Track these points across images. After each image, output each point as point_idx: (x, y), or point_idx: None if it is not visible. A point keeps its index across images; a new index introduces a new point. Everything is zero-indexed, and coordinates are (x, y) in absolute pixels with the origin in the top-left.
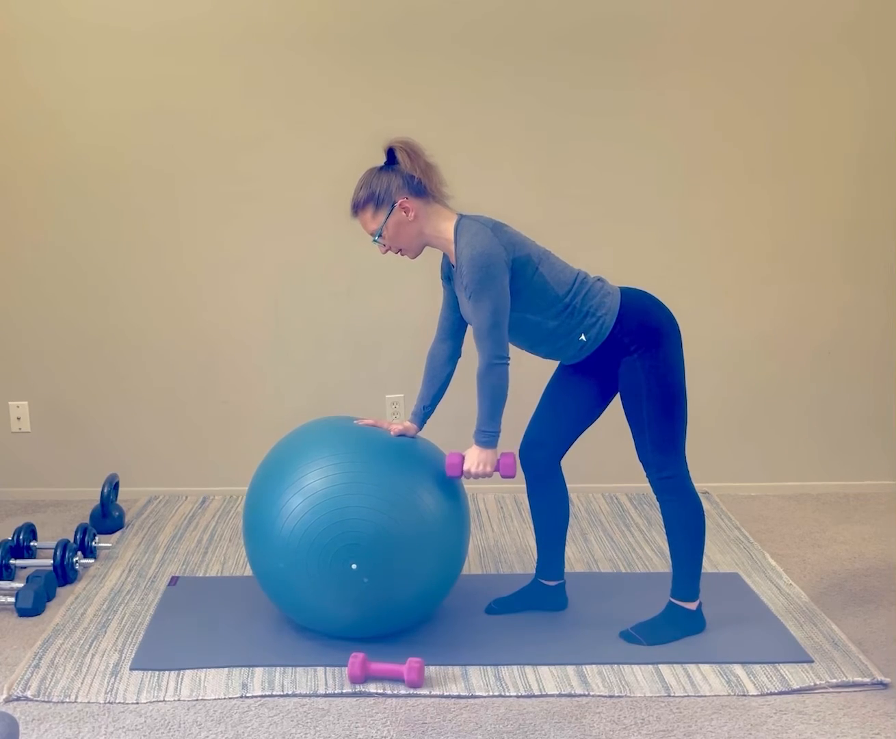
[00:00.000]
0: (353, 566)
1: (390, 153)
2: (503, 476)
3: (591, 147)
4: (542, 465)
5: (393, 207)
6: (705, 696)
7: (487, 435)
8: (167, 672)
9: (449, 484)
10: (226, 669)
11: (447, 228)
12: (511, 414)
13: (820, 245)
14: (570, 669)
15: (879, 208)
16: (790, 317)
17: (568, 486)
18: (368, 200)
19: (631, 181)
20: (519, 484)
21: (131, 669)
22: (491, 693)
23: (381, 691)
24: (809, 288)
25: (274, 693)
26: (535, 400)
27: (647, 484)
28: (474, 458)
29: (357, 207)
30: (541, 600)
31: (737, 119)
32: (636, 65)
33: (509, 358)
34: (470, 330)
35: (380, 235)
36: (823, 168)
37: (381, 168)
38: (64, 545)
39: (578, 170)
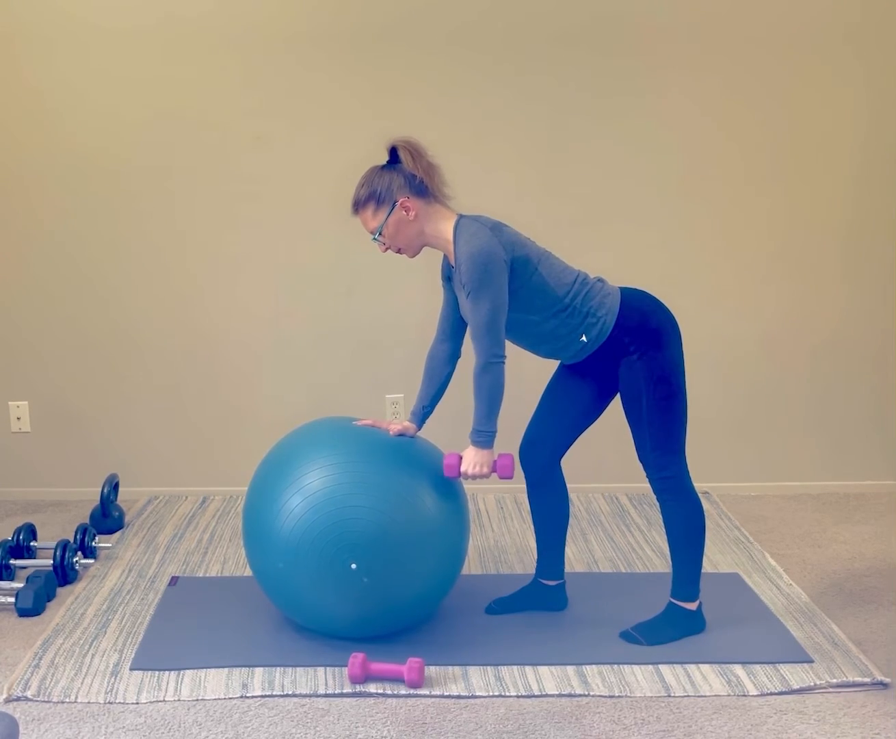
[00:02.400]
0: (353, 566)
1: (393, 152)
2: (500, 477)
3: (591, 148)
4: (541, 465)
5: (394, 205)
6: (705, 696)
7: (483, 435)
8: (167, 672)
9: (448, 484)
10: (226, 669)
11: (447, 228)
12: (511, 414)
13: (819, 246)
14: (570, 669)
15: (879, 210)
16: (790, 317)
17: (568, 486)
18: (369, 198)
19: (631, 182)
20: (519, 484)
21: (131, 669)
22: (491, 693)
23: (381, 691)
24: (809, 289)
25: (274, 693)
26: (535, 400)
27: (647, 484)
28: (471, 459)
29: (358, 205)
30: (541, 600)
31: (737, 120)
32: (637, 66)
33: (505, 357)
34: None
35: (380, 234)
36: (823, 169)
37: (383, 167)
38: (64, 545)
39: (579, 170)
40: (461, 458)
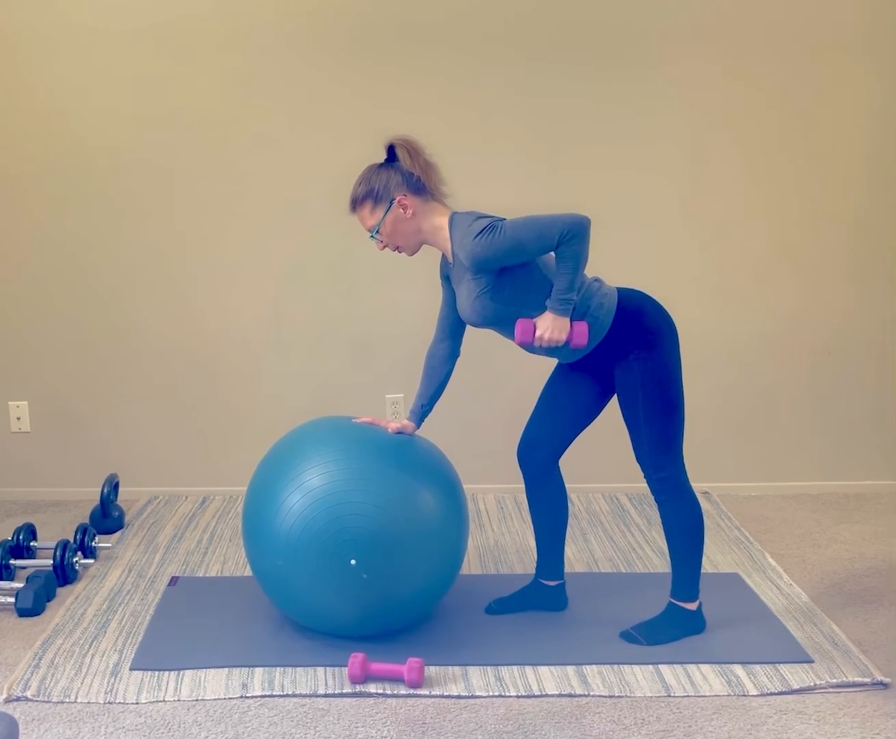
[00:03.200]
0: (353, 562)
1: (390, 150)
2: (573, 345)
3: (591, 147)
4: (540, 465)
5: (391, 203)
6: (705, 696)
7: (565, 304)
8: (167, 672)
9: (447, 482)
10: (226, 669)
11: (443, 223)
12: (510, 413)
13: (821, 246)
14: (570, 669)
15: (882, 209)
16: (791, 317)
17: (568, 486)
18: (367, 195)
19: (632, 181)
20: (519, 484)
21: (131, 669)
22: (491, 693)
23: (381, 691)
24: (810, 288)
25: (274, 693)
26: (533, 399)
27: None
28: (549, 323)
29: (355, 203)
30: (541, 600)
31: (739, 119)
32: (639, 65)
33: (585, 217)
34: (471, 330)
35: (377, 232)
36: (827, 169)
37: (381, 165)
38: (64, 545)
39: (579, 170)
40: (536, 323)
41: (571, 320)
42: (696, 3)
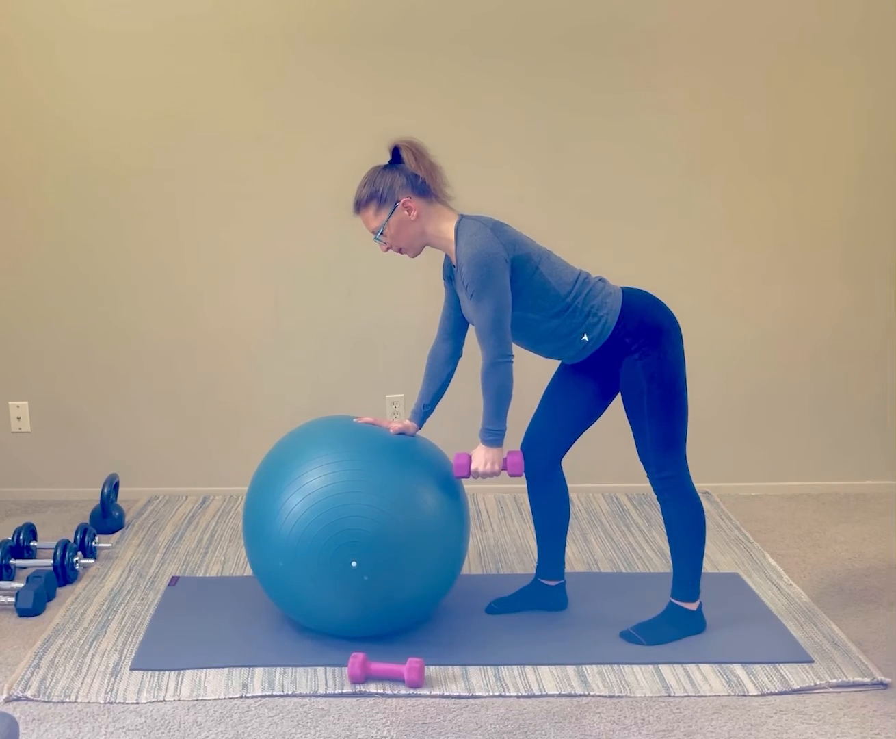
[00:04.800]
0: (354, 564)
1: (395, 152)
2: (511, 475)
3: (592, 147)
4: (542, 465)
5: (395, 205)
6: (705, 696)
7: (493, 434)
8: (167, 672)
9: (448, 482)
10: (226, 669)
11: (448, 228)
12: (512, 414)
13: (821, 245)
14: (570, 669)
15: (880, 209)
16: (791, 317)
17: (568, 486)
18: (371, 197)
19: (632, 181)
20: (519, 484)
21: (131, 669)
22: (491, 693)
23: (381, 691)
24: (810, 288)
25: (274, 693)
26: (535, 400)
27: (648, 484)
28: (481, 457)
29: (359, 205)
30: (541, 600)
31: (738, 119)
32: (638, 65)
33: (513, 356)
34: (473, 330)
35: (381, 234)
36: (824, 169)
37: (386, 167)
38: (64, 545)
39: (580, 170)
40: (471, 458)
41: (501, 448)
42: (694, 6)
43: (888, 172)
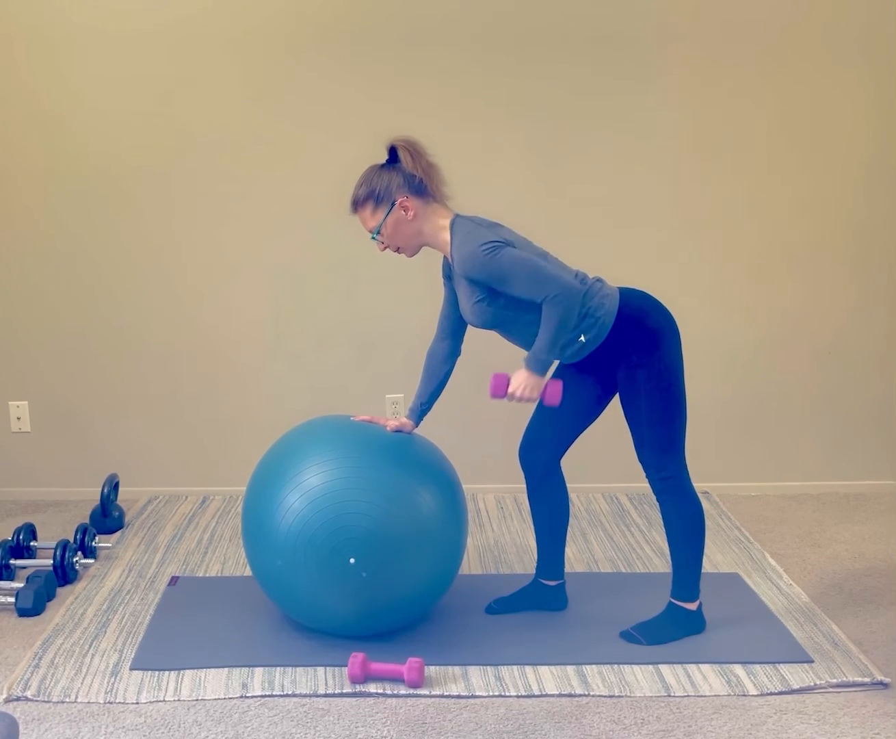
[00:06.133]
0: (352, 561)
1: (392, 152)
2: (547, 403)
3: (592, 147)
4: (541, 465)
5: (392, 205)
6: (705, 696)
7: (542, 364)
8: (167, 672)
9: (446, 480)
10: (226, 669)
11: (444, 227)
12: (512, 414)
13: (822, 246)
14: (570, 669)
15: (883, 209)
16: (792, 317)
17: (568, 486)
18: (368, 196)
19: (632, 181)
20: (519, 484)
21: (131, 669)
22: (491, 693)
23: (381, 691)
24: (810, 289)
25: (274, 693)
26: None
27: (647, 484)
28: (522, 380)
29: (357, 204)
30: (541, 600)
31: (739, 120)
32: (639, 65)
33: (578, 279)
34: (472, 329)
35: (378, 233)
36: (828, 168)
37: (383, 166)
38: (64, 545)
39: (579, 170)
40: (509, 379)
41: (548, 377)
42: (694, 6)
43: (892, 171)
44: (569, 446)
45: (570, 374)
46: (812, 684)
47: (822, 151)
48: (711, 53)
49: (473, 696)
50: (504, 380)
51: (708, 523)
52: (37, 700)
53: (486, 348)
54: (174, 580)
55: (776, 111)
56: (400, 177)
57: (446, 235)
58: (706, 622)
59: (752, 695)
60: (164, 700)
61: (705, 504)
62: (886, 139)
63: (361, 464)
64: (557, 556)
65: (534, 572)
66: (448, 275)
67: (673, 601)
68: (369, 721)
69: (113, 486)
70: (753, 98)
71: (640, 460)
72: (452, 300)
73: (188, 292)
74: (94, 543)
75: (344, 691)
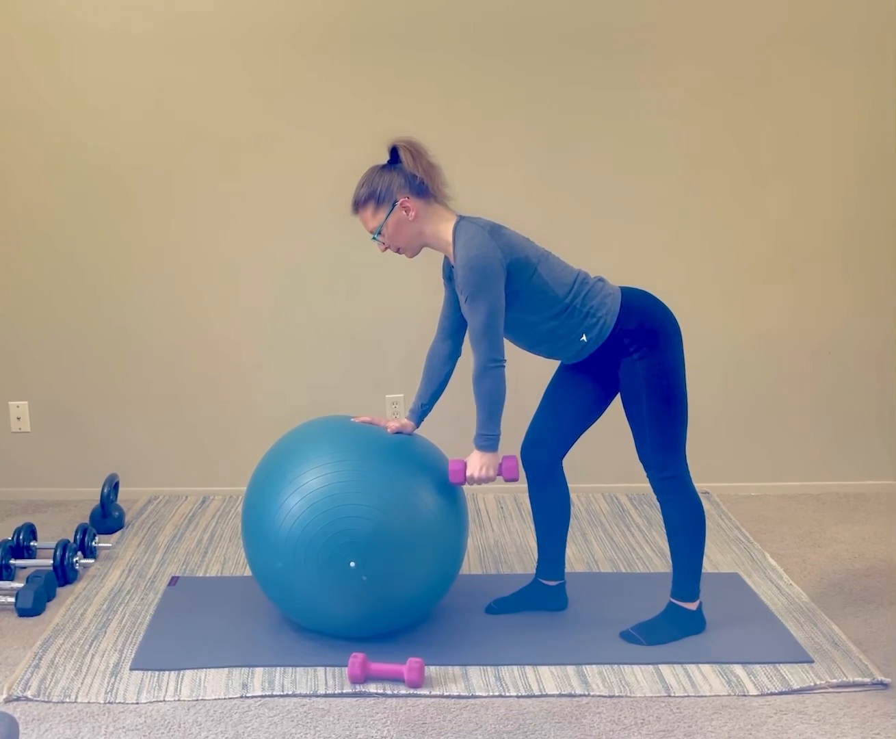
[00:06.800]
0: (352, 564)
1: (393, 152)
2: (506, 480)
3: (592, 147)
4: (543, 465)
5: (394, 205)
6: (705, 696)
7: (487, 439)
8: (167, 672)
9: (446, 481)
10: (226, 669)
11: (446, 229)
12: (512, 415)
13: (822, 246)
14: (570, 669)
15: (881, 209)
16: (791, 317)
17: (568, 486)
18: (369, 197)
19: (632, 181)
20: (520, 484)
21: (131, 669)
22: (491, 693)
23: (381, 691)
24: (811, 289)
25: (274, 693)
26: (535, 401)
27: (648, 484)
28: (476, 463)
29: (358, 205)
30: (541, 600)
31: (738, 120)
32: (638, 65)
33: (505, 361)
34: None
35: (379, 234)
36: (826, 168)
37: (384, 166)
38: (64, 545)
39: (580, 170)
40: (465, 463)
41: (499, 452)
42: (694, 6)
43: (889, 171)
44: (570, 447)
45: (572, 374)
46: (812, 684)
47: (820, 151)
48: (711, 54)
49: (473, 696)
50: (461, 466)
51: (708, 523)
52: (37, 700)
53: None
54: (174, 581)
55: (775, 112)
56: (401, 177)
57: (448, 237)
58: (706, 623)
59: (753, 695)
60: (164, 701)
61: (705, 504)
62: (884, 140)
63: (361, 466)
64: (558, 556)
65: (534, 572)
66: (448, 276)
67: (673, 601)
68: (369, 722)
69: (113, 486)
70: (753, 99)
71: (641, 460)
72: (453, 301)
73: (188, 292)
74: (94, 543)
75: (344, 691)
